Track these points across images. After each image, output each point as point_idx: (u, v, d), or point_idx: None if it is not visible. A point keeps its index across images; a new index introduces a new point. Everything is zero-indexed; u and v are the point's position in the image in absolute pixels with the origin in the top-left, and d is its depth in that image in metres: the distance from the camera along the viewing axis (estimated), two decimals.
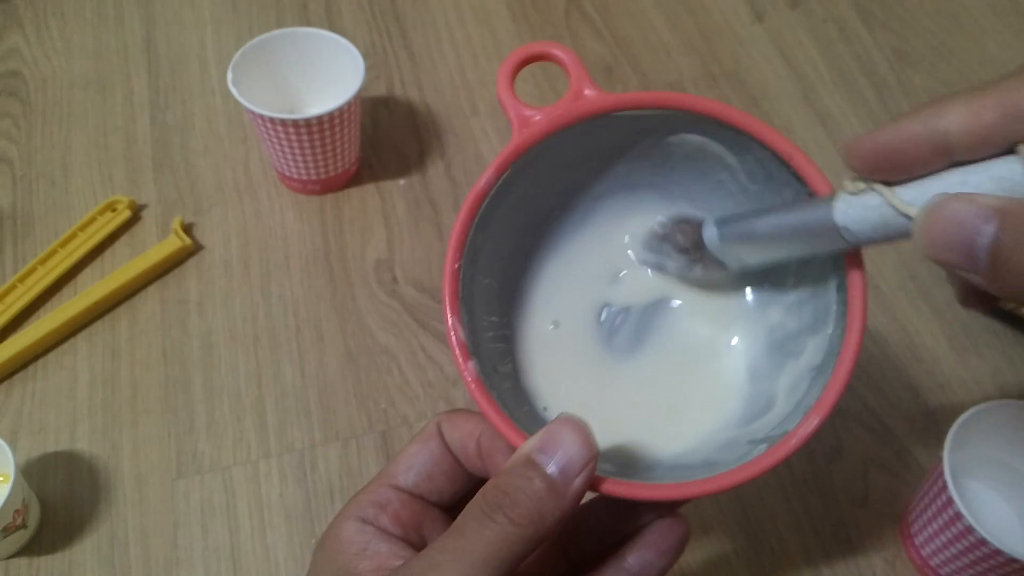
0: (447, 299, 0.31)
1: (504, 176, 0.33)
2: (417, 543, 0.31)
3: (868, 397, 0.57)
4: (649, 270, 0.37)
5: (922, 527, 0.48)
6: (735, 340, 0.36)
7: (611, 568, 0.31)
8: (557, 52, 0.34)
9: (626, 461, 0.34)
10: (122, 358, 0.57)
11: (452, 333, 0.31)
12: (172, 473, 0.53)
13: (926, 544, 0.48)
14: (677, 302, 0.37)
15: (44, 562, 0.50)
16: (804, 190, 0.31)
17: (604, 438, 0.33)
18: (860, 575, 0.50)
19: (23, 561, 0.50)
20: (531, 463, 0.27)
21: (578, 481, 0.27)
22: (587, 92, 0.33)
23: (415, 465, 0.32)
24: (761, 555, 0.51)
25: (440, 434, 0.32)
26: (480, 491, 0.27)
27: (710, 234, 0.34)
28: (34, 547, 0.50)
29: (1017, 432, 0.49)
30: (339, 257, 0.62)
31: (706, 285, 0.36)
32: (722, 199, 0.36)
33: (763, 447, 0.30)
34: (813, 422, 0.29)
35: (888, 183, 0.25)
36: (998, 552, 0.42)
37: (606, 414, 0.34)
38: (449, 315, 0.31)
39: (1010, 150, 0.21)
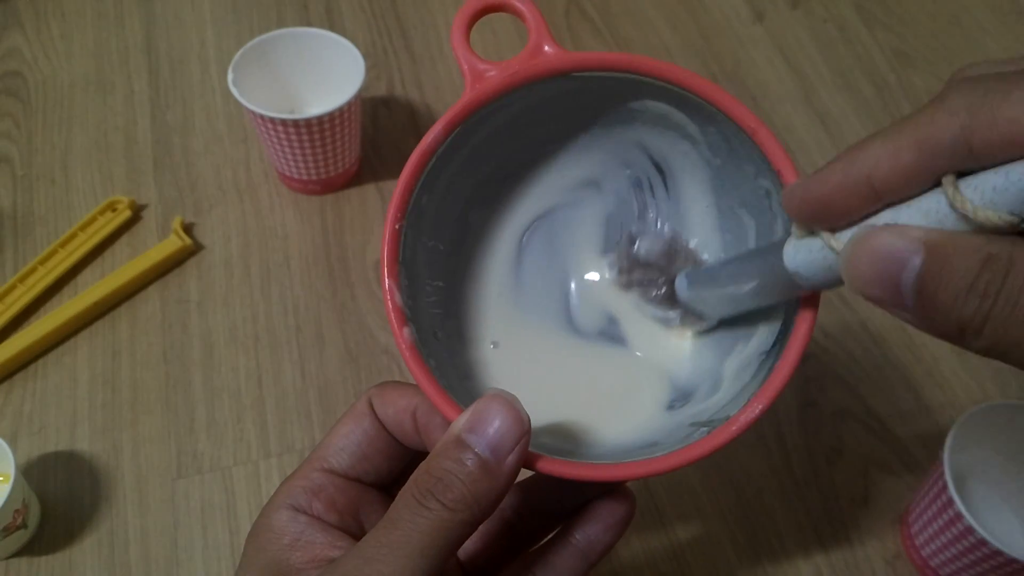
0: (385, 261, 0.29)
1: (453, 134, 0.31)
2: (354, 529, 0.30)
3: (868, 397, 0.57)
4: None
5: (922, 527, 0.48)
6: (681, 319, 0.35)
7: (558, 544, 0.30)
8: (516, 3, 0.31)
9: (569, 439, 0.32)
10: (122, 358, 0.57)
11: (388, 297, 0.29)
12: (172, 473, 0.53)
13: (926, 544, 0.48)
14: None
15: (44, 562, 0.50)
16: (766, 166, 0.30)
17: (548, 415, 0.32)
18: (860, 575, 0.50)
19: (23, 561, 0.50)
20: (461, 444, 0.26)
21: (511, 459, 0.26)
22: (547, 48, 0.31)
23: (348, 446, 0.30)
24: (761, 555, 0.51)
25: (372, 411, 0.31)
26: (411, 477, 0.26)
27: (680, 285, 0.33)
28: (34, 547, 0.50)
29: (1017, 432, 0.49)
30: (339, 257, 0.62)
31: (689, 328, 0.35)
32: (684, 163, 0.34)
33: (705, 431, 0.29)
34: (756, 408, 0.28)
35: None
36: (998, 552, 0.42)
37: (552, 390, 0.33)
38: (386, 278, 0.29)
39: (937, 183, 0.20)
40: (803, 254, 0.25)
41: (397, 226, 0.30)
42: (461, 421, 0.26)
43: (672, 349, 0.35)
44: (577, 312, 0.36)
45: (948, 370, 0.58)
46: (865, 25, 0.77)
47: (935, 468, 0.47)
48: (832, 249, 0.23)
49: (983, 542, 0.43)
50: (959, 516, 0.44)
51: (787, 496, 0.53)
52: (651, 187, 0.36)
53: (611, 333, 0.36)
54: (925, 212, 0.20)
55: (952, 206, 0.20)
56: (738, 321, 0.33)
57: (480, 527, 0.31)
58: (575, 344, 0.35)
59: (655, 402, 0.33)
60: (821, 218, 0.23)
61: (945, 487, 0.44)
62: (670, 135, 0.34)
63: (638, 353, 0.35)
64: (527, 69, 0.30)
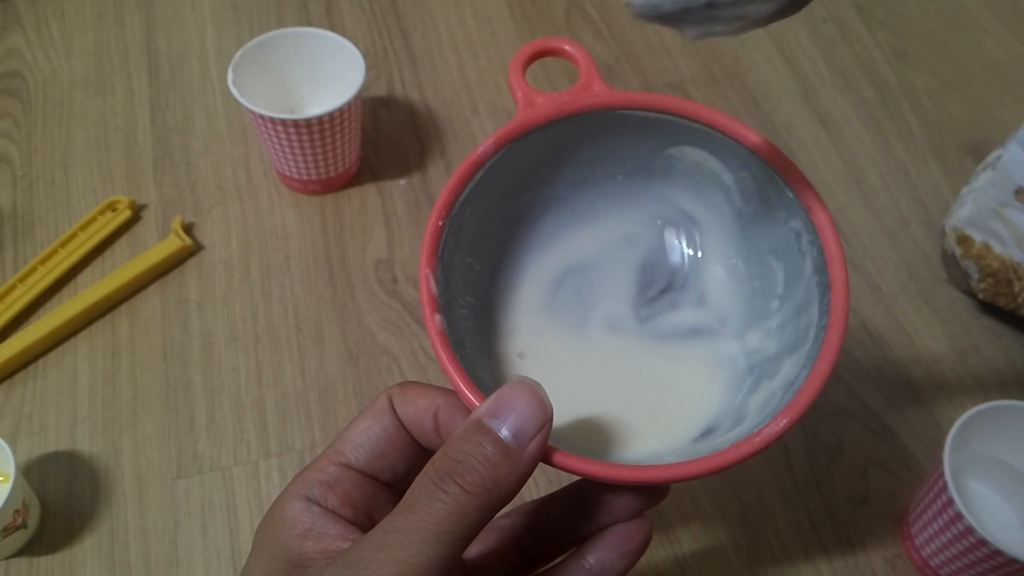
0: (425, 252, 0.30)
1: (502, 151, 0.32)
2: (367, 525, 0.29)
3: (868, 397, 0.57)
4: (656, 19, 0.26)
5: (922, 527, 0.48)
6: (708, 355, 0.35)
7: (570, 566, 0.30)
8: (569, 48, 0.33)
9: (590, 448, 0.33)
10: (122, 358, 0.57)
11: (424, 283, 0.30)
12: (172, 473, 0.53)
13: (926, 544, 0.48)
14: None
15: (44, 562, 0.50)
16: (797, 206, 0.31)
17: (568, 428, 0.32)
18: (860, 575, 0.50)
19: (23, 561, 0.50)
20: (482, 428, 0.25)
21: (533, 445, 0.25)
22: (596, 87, 0.33)
23: (366, 442, 0.30)
24: (761, 555, 0.51)
25: (392, 409, 0.30)
26: (429, 462, 0.25)
27: None
28: (34, 547, 0.50)
29: (1017, 433, 0.49)
30: (339, 257, 0.62)
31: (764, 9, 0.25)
32: (716, 217, 0.36)
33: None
34: (781, 423, 0.28)
35: None
36: (998, 552, 0.42)
37: (573, 408, 0.33)
38: (424, 267, 0.30)
39: None
40: None
41: (440, 223, 0.31)
42: (484, 407, 0.26)
43: (699, 383, 0.35)
44: (612, 333, 0.36)
45: (948, 370, 0.58)
46: (865, 25, 0.77)
47: (935, 468, 0.47)
48: None
49: (983, 542, 0.43)
50: (959, 516, 0.44)
51: (787, 496, 0.53)
52: (684, 238, 0.37)
53: (644, 357, 0.36)
54: None
55: None
56: (764, 361, 0.33)
57: (490, 542, 0.31)
58: (606, 366, 0.35)
59: (678, 432, 0.33)
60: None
61: (945, 487, 0.44)
62: (705, 184, 0.35)
63: (668, 384, 0.35)
64: (576, 100, 0.32)
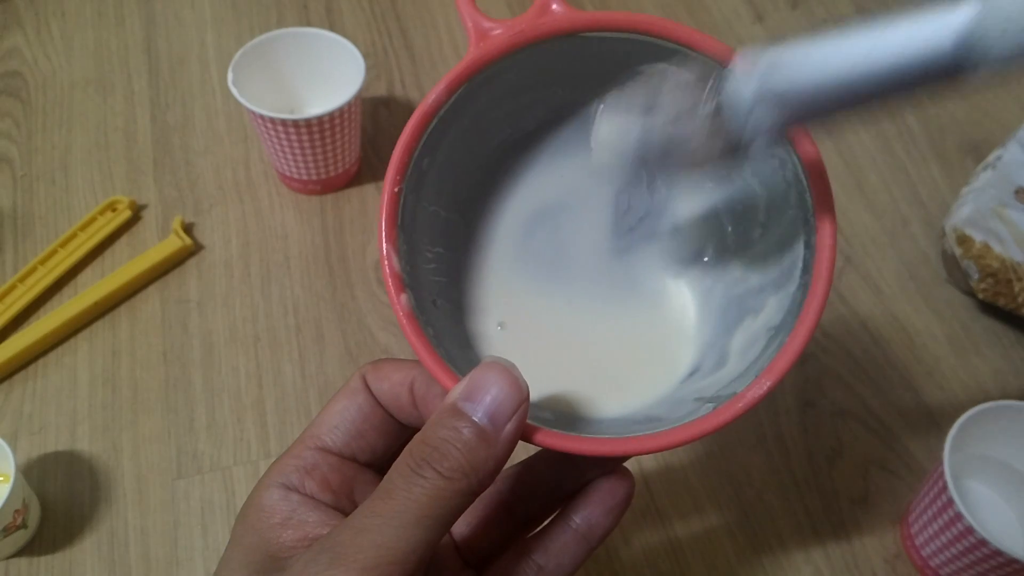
0: (383, 225, 0.28)
1: (456, 95, 0.29)
2: (348, 509, 0.28)
3: (868, 397, 0.57)
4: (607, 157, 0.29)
5: (922, 527, 0.48)
6: (688, 290, 0.33)
7: (557, 527, 0.30)
8: None
9: (568, 413, 0.31)
10: (122, 358, 0.57)
11: (386, 262, 0.28)
12: (172, 473, 0.53)
13: (926, 544, 0.48)
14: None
15: (44, 562, 0.50)
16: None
17: (550, 387, 0.31)
18: (860, 575, 0.50)
19: (23, 561, 0.50)
20: (457, 412, 0.25)
21: (509, 427, 0.25)
22: (554, 7, 0.29)
23: (342, 423, 0.29)
24: (761, 555, 0.51)
25: (367, 387, 0.30)
26: (406, 448, 0.25)
27: (743, 83, 0.24)
28: (34, 547, 0.50)
29: (1017, 433, 0.49)
30: (339, 257, 0.62)
31: (698, 165, 0.27)
32: None
33: (710, 407, 0.28)
34: (764, 385, 0.27)
35: None
36: (998, 552, 0.42)
37: (556, 361, 0.32)
38: (384, 243, 0.28)
39: None
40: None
41: (396, 189, 0.29)
42: (458, 390, 0.26)
43: (678, 323, 0.33)
44: (588, 278, 0.34)
45: (948, 370, 0.58)
46: None
47: (935, 468, 0.47)
48: None
49: (983, 542, 0.43)
50: (959, 516, 0.44)
51: (787, 496, 0.53)
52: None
53: (614, 303, 0.34)
54: None
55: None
56: (746, 294, 0.32)
57: (478, 512, 0.31)
58: (584, 314, 0.34)
59: (658, 377, 0.32)
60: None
61: (945, 487, 0.44)
62: None
63: (642, 324, 0.33)
64: (534, 28, 0.29)
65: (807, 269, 0.28)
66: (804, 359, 0.58)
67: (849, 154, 0.69)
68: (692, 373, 0.32)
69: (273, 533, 0.27)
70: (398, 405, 0.30)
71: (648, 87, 0.26)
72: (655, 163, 0.27)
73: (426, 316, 0.29)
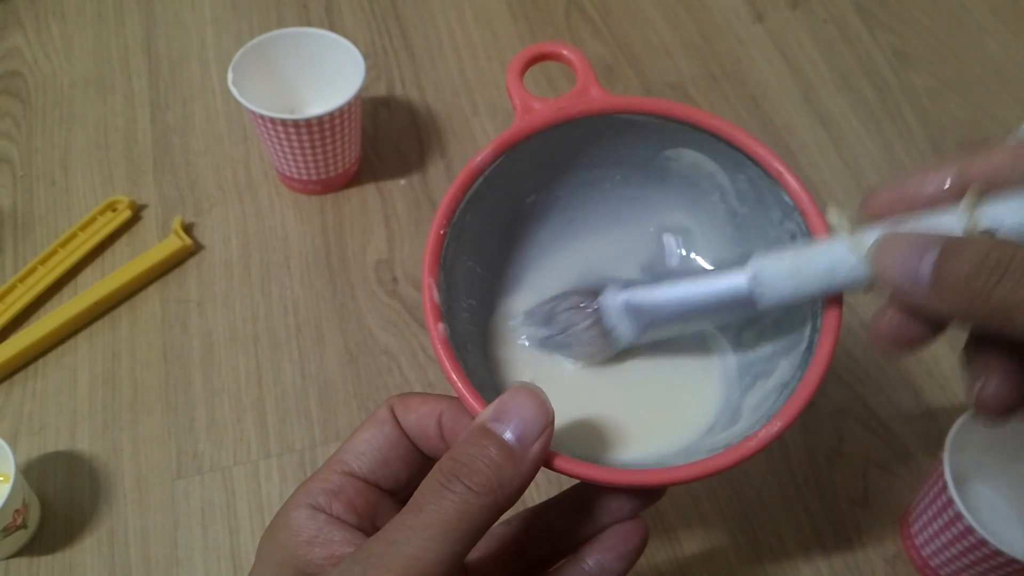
0: (427, 261, 0.31)
1: (501, 158, 0.33)
2: (371, 532, 0.29)
3: (868, 397, 0.57)
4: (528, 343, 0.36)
5: (922, 527, 0.48)
6: (714, 359, 0.36)
7: (570, 569, 0.31)
8: (566, 52, 0.34)
9: (586, 456, 0.33)
10: (122, 358, 0.57)
11: (427, 292, 0.30)
12: (172, 473, 0.53)
13: (926, 544, 0.48)
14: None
15: (44, 562, 0.50)
16: (792, 210, 0.32)
17: (569, 434, 0.33)
18: (860, 575, 0.50)
19: (23, 561, 0.50)
20: (487, 432, 0.26)
21: (536, 447, 0.26)
22: (593, 92, 0.33)
23: (368, 450, 0.31)
24: (761, 555, 0.51)
25: (394, 417, 0.31)
26: (436, 465, 0.26)
27: (612, 296, 0.33)
28: (34, 547, 0.50)
29: (1017, 433, 0.49)
30: (339, 257, 0.62)
31: (588, 358, 0.35)
32: (712, 218, 0.36)
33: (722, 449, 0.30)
34: (776, 425, 0.29)
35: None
36: (998, 553, 0.42)
37: (577, 414, 0.34)
38: (427, 275, 0.31)
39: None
40: (771, 261, 0.29)
41: (442, 231, 0.31)
42: (487, 412, 0.27)
43: (702, 390, 0.35)
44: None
45: (948, 370, 0.58)
46: (865, 25, 0.77)
47: (935, 468, 0.47)
48: (851, 243, 0.27)
49: (983, 542, 0.43)
50: (959, 516, 0.44)
51: (787, 496, 0.53)
52: (681, 238, 0.37)
53: (642, 370, 0.36)
54: (940, 221, 0.25)
55: (963, 221, 0.25)
56: (759, 360, 0.34)
57: (492, 548, 0.32)
58: (605, 382, 0.36)
59: (678, 434, 0.34)
60: (886, 213, 0.27)
61: (945, 487, 0.44)
62: (701, 184, 0.35)
63: (668, 389, 0.35)
64: (573, 106, 0.33)
65: (815, 329, 0.31)
66: None
67: (849, 154, 0.69)
68: (708, 431, 0.34)
69: (301, 551, 0.28)
70: (424, 436, 0.31)
71: (549, 306, 0.34)
72: (560, 353, 0.35)
73: (460, 354, 0.31)
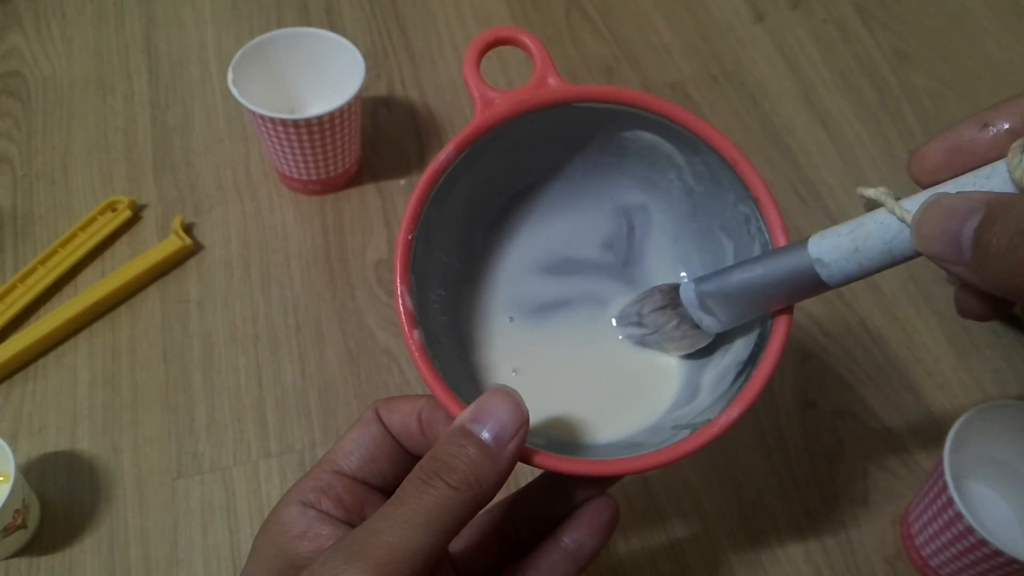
0: (398, 269, 0.32)
1: (463, 154, 0.33)
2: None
3: (868, 397, 0.57)
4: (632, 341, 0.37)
5: (922, 527, 0.48)
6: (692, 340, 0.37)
7: (548, 548, 0.32)
8: (524, 38, 0.34)
9: (559, 440, 0.35)
10: (122, 358, 0.57)
11: (400, 301, 0.31)
12: (172, 473, 0.53)
13: (926, 544, 0.48)
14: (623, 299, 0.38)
15: (44, 562, 0.50)
16: (746, 194, 0.33)
17: (543, 417, 0.35)
18: (860, 575, 0.50)
19: (23, 561, 0.50)
20: (465, 432, 0.28)
21: (511, 446, 0.28)
22: (551, 80, 0.34)
23: (356, 450, 0.32)
24: (761, 555, 0.51)
25: (379, 419, 0.33)
26: (418, 464, 0.28)
27: (687, 291, 0.35)
28: (34, 547, 0.50)
29: (1017, 432, 0.49)
30: (339, 257, 0.62)
31: (686, 349, 0.36)
32: (668, 196, 0.37)
33: (686, 432, 0.31)
34: (735, 412, 0.30)
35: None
36: (998, 552, 0.42)
37: (548, 396, 0.35)
38: (399, 284, 0.32)
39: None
40: (830, 240, 0.29)
41: (409, 237, 0.32)
42: (466, 413, 0.28)
43: (663, 361, 0.37)
44: (577, 340, 0.38)
45: (948, 370, 0.58)
46: (865, 25, 0.77)
47: (935, 468, 0.47)
48: (899, 216, 0.26)
49: (983, 542, 0.43)
50: (959, 516, 0.44)
51: (787, 496, 0.53)
52: (639, 216, 0.39)
53: (615, 347, 0.38)
54: (988, 176, 0.24)
55: (1011, 174, 0.23)
56: (716, 337, 0.36)
57: (474, 534, 0.34)
58: (580, 358, 0.37)
59: (645, 410, 0.36)
60: (940, 171, 0.26)
61: (945, 487, 0.44)
62: (659, 163, 0.36)
63: (632, 363, 0.37)
64: (532, 98, 0.33)
65: (771, 315, 0.32)
66: (804, 359, 0.58)
67: (849, 154, 0.69)
68: (671, 407, 0.35)
69: (292, 545, 0.30)
70: (407, 434, 0.33)
71: (636, 307, 0.36)
72: (658, 348, 0.37)
73: (434, 351, 0.32)
